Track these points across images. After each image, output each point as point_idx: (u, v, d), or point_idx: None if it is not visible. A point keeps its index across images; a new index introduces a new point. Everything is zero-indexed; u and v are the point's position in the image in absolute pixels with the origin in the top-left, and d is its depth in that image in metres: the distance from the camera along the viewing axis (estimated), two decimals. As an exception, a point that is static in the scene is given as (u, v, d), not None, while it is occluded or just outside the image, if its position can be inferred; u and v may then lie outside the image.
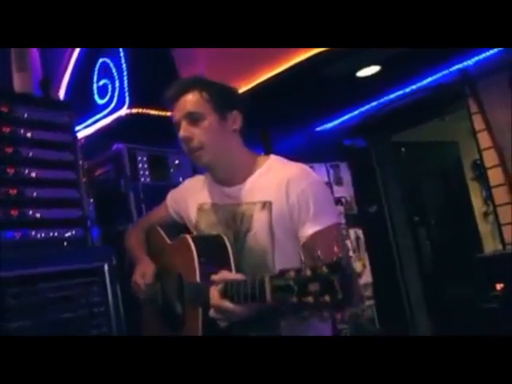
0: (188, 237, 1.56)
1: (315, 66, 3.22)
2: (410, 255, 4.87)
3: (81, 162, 2.61)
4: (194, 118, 1.53)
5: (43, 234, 2.31)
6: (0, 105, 2.30)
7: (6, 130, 2.31)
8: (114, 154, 2.76)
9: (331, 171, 4.07)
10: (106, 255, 2.39)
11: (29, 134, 2.38)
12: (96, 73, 3.40)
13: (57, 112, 2.52)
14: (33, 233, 2.27)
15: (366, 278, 4.10)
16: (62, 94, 3.55)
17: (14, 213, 2.27)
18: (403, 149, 5.13)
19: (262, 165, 1.60)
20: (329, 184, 4.01)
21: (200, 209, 1.70)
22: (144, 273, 1.72)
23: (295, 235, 1.50)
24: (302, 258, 1.29)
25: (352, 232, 4.08)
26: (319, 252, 1.14)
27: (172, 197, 1.88)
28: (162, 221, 1.88)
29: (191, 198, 1.75)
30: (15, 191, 2.28)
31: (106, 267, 2.39)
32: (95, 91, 3.40)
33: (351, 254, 4.04)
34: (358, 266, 3.92)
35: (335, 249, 1.13)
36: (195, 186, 1.77)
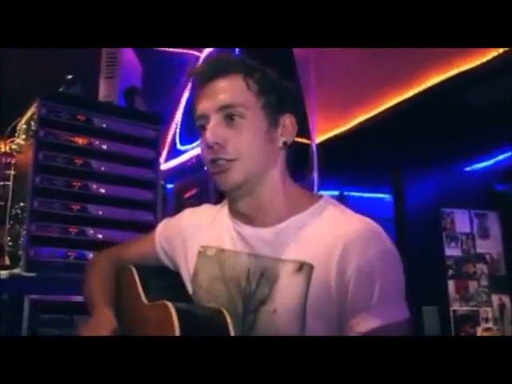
0: (172, 309, 0.96)
1: (457, 90, 2.64)
2: None
3: (162, 183, 2.35)
4: (231, 114, 1.01)
5: (101, 258, 2.06)
6: (77, 114, 2.14)
7: (80, 140, 2.13)
8: (201, 176, 2.45)
9: (476, 221, 3.33)
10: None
11: (104, 146, 2.18)
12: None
13: (141, 124, 2.30)
14: (90, 255, 2.02)
15: None
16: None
17: (73, 230, 2.06)
18: None
19: (308, 205, 1.06)
20: (471, 236, 3.29)
21: (202, 254, 1.14)
22: (97, 327, 1.08)
23: (335, 324, 0.96)
24: None
25: (495, 298, 3.29)
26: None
27: (164, 231, 1.24)
28: (143, 259, 1.26)
29: (192, 236, 1.17)
30: (78, 206, 2.08)
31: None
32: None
33: (491, 325, 3.24)
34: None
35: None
36: (201, 220, 1.19)
